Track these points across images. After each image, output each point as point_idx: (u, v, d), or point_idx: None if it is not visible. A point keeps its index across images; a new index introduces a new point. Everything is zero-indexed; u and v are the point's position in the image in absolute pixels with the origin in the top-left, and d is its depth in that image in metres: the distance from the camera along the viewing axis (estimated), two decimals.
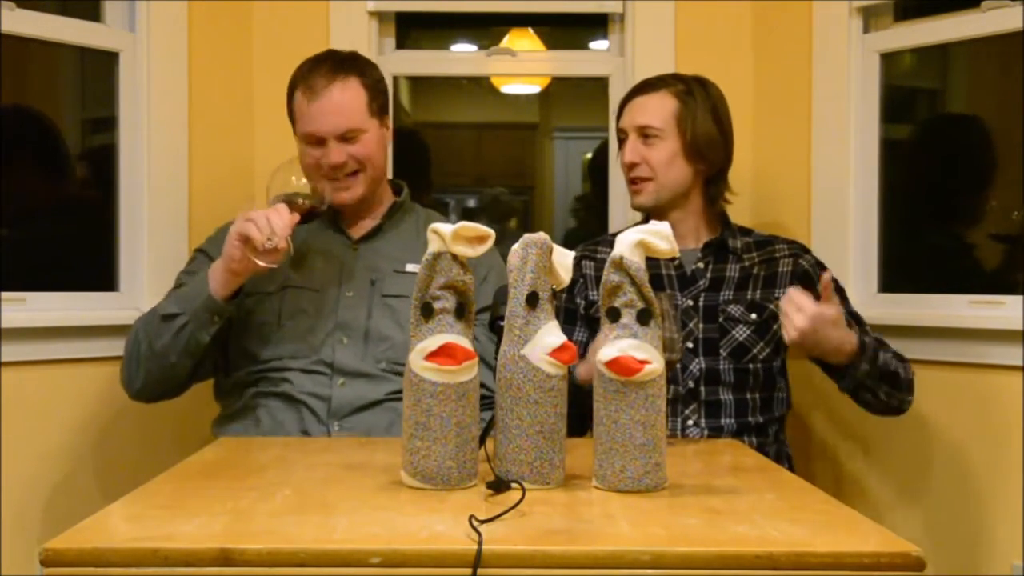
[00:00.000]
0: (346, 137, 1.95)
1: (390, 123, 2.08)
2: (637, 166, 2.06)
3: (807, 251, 2.13)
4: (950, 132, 2.45)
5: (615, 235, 2.19)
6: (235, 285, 1.85)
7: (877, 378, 1.89)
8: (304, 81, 1.98)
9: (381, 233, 2.05)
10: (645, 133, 2.05)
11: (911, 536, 1.04)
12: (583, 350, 2.06)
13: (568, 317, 2.10)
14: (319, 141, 1.96)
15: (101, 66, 2.32)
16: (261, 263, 1.78)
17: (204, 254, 2.05)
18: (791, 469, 2.06)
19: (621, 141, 2.12)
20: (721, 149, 2.09)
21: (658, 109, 2.06)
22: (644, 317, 1.26)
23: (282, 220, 1.77)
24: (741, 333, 2.01)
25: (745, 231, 2.15)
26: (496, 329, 1.44)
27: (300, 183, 1.88)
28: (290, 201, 1.84)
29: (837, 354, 1.84)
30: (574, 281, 2.09)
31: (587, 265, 2.13)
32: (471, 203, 3.44)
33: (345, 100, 1.95)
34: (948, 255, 2.37)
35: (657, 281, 2.03)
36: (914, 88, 2.55)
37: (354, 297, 1.96)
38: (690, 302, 2.03)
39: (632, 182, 2.08)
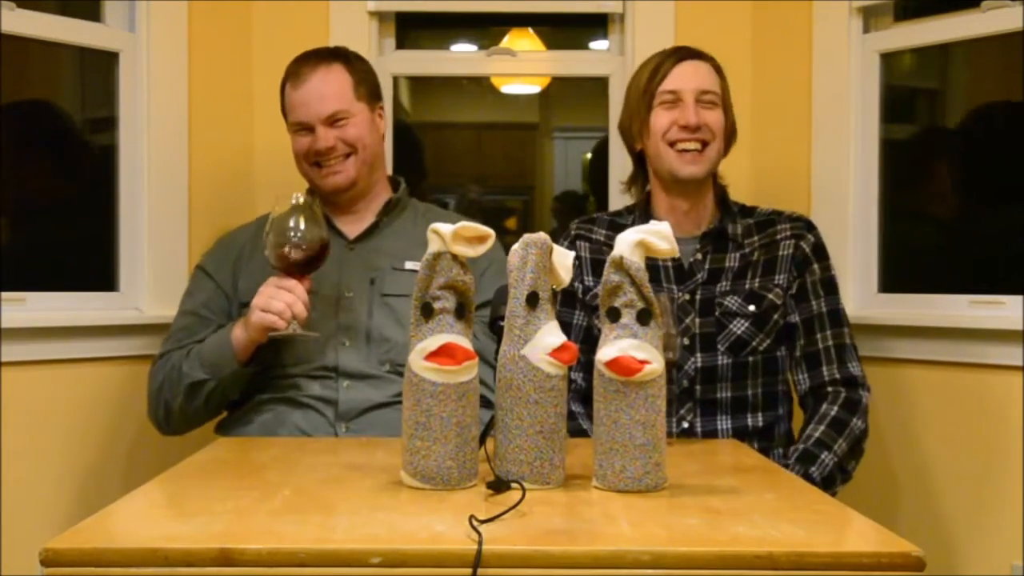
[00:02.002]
0: (333, 121, 1.98)
1: (383, 113, 2.09)
2: (700, 128, 1.96)
3: (812, 228, 2.05)
4: (949, 129, 2.45)
5: (612, 214, 2.16)
6: (253, 346, 1.88)
7: (844, 470, 1.92)
8: (290, 72, 2.02)
9: (377, 231, 2.04)
10: (705, 98, 1.98)
11: (911, 536, 1.04)
12: (583, 334, 2.04)
13: (566, 300, 2.05)
14: (307, 128, 1.98)
15: (101, 66, 2.32)
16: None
17: (203, 272, 2.05)
18: None
19: (660, 104, 1.99)
20: (736, 133, 2.08)
21: (712, 77, 2.01)
22: (644, 317, 1.26)
23: (300, 299, 1.78)
24: (739, 327, 1.96)
25: (747, 211, 2.09)
26: (496, 329, 1.43)
27: (300, 229, 1.78)
28: (294, 261, 1.78)
29: None
30: None
31: (582, 246, 2.07)
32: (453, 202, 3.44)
33: (328, 84, 1.99)
34: (948, 255, 2.37)
35: (654, 274, 1.98)
36: (914, 88, 2.55)
37: (354, 298, 1.96)
38: (687, 296, 1.98)
39: (678, 147, 1.97)
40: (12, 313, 2.06)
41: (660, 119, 1.98)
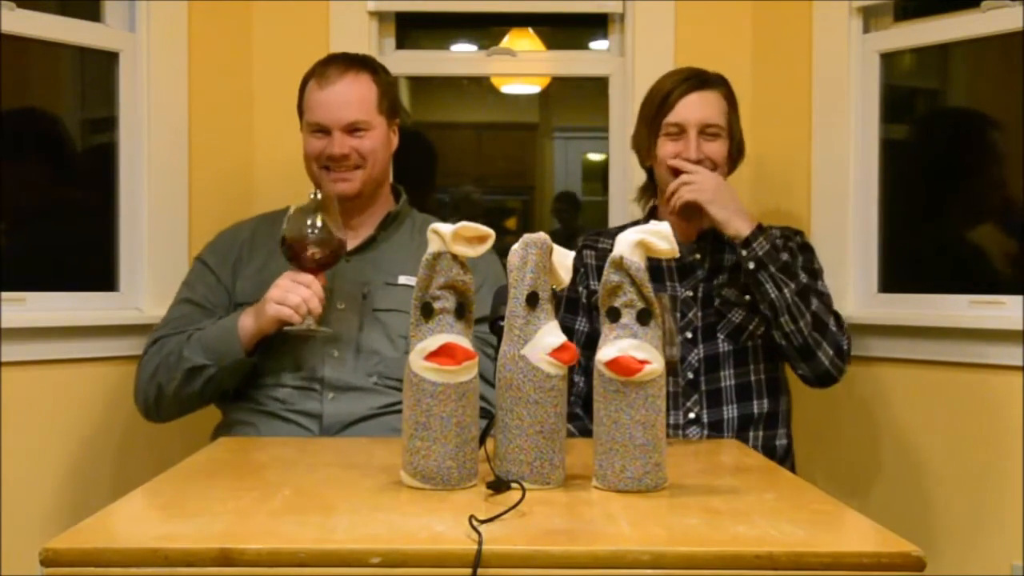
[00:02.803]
0: (352, 130, 1.96)
1: (397, 129, 2.08)
2: (702, 161, 2.03)
3: (798, 233, 2.14)
4: (949, 130, 2.45)
5: (618, 228, 2.21)
6: (259, 339, 1.87)
7: (782, 270, 1.94)
8: (317, 72, 2.00)
9: (375, 244, 2.03)
10: (708, 131, 2.04)
11: (911, 536, 1.04)
12: (584, 339, 2.08)
13: (569, 306, 2.11)
14: (324, 131, 1.97)
15: (101, 66, 2.32)
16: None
17: (204, 265, 2.04)
18: (792, 468, 2.07)
19: (666, 135, 2.06)
20: (744, 150, 2.14)
21: (717, 107, 2.06)
22: (644, 317, 1.26)
23: (316, 295, 1.78)
24: (737, 316, 2.02)
25: None
26: (496, 329, 1.43)
27: (316, 228, 1.79)
28: (312, 259, 1.79)
29: (736, 218, 1.96)
30: (575, 270, 2.10)
31: (588, 255, 2.14)
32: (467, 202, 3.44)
33: (355, 92, 1.97)
34: (948, 255, 2.37)
35: (657, 273, 2.05)
36: (914, 88, 2.55)
37: (345, 310, 1.94)
38: (689, 292, 2.05)
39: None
40: (12, 313, 2.06)
41: (665, 148, 2.07)
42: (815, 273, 2.10)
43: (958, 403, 2.15)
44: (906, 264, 2.38)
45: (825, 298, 2.04)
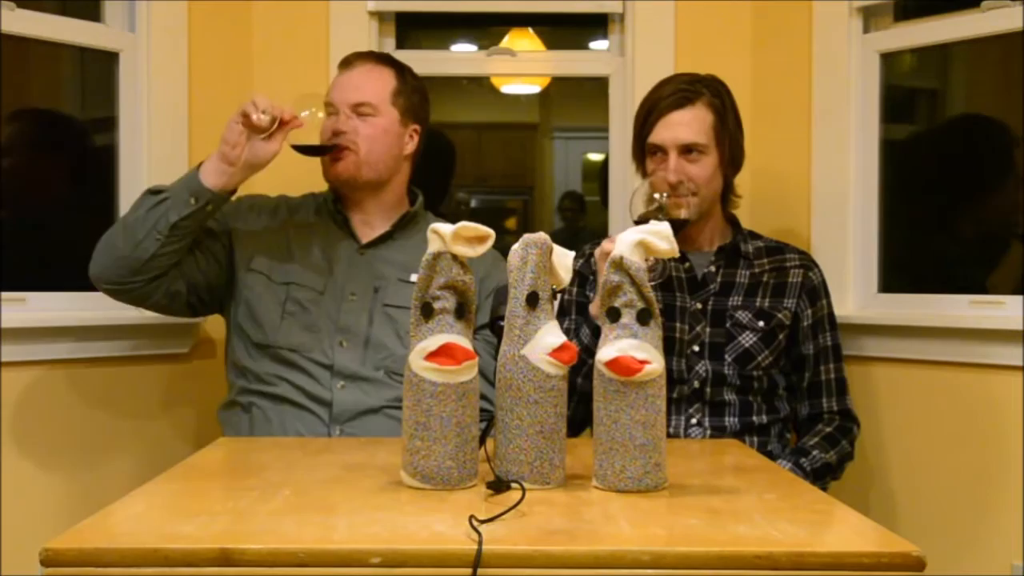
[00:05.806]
0: (359, 112, 1.99)
1: (416, 135, 2.08)
2: (682, 183, 2.00)
3: (816, 265, 2.13)
4: (949, 129, 2.45)
5: None
6: (226, 179, 1.85)
7: (832, 475, 2.03)
8: (342, 61, 2.06)
9: (390, 240, 2.04)
10: (689, 150, 2.01)
11: (911, 536, 1.04)
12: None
13: (581, 310, 2.10)
14: (335, 111, 1.99)
15: (101, 66, 2.32)
16: (257, 147, 1.82)
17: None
18: None
19: (650, 154, 2.05)
20: (744, 152, 2.11)
21: (700, 124, 2.01)
22: (644, 317, 1.26)
23: (282, 105, 1.81)
24: (747, 340, 2.01)
25: (754, 235, 2.15)
26: (496, 329, 1.44)
27: (317, 116, 1.91)
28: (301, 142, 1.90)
29: None
30: (584, 277, 2.10)
31: (595, 263, 2.13)
32: (472, 203, 3.44)
33: (368, 77, 2.02)
34: (948, 255, 2.37)
35: (667, 282, 2.05)
36: (914, 88, 2.55)
37: (357, 302, 1.96)
38: (699, 305, 2.04)
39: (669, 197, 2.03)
40: (12, 313, 2.06)
41: (650, 168, 2.06)
42: (835, 319, 2.10)
43: (958, 403, 2.15)
44: (906, 264, 2.38)
45: (842, 369, 2.09)
